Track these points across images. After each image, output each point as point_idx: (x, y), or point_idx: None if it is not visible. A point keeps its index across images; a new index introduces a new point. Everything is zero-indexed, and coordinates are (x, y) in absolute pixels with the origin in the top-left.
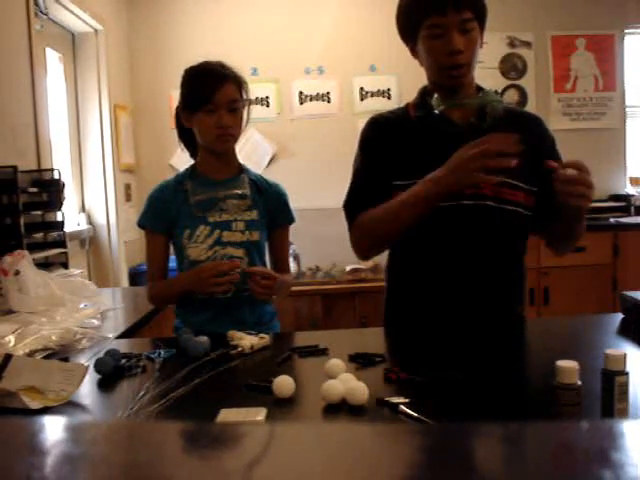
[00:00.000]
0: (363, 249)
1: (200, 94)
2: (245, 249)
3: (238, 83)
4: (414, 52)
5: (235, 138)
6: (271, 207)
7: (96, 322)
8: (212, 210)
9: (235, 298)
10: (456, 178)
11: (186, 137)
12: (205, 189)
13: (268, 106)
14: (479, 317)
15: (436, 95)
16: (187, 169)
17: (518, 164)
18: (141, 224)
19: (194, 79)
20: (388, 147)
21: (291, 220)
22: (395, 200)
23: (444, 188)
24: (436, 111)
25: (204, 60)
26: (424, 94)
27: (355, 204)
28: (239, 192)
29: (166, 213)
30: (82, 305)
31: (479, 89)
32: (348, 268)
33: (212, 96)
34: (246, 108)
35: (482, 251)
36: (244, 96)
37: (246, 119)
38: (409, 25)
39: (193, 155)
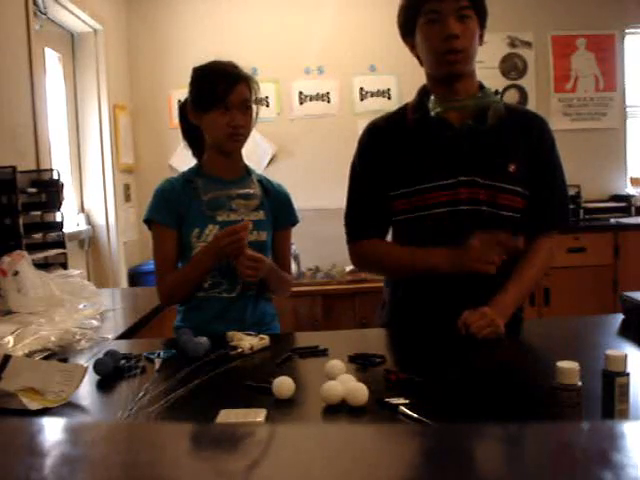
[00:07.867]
0: (360, 270)
1: (214, 94)
2: (253, 249)
3: (249, 83)
4: (414, 49)
5: (245, 137)
6: (275, 208)
7: (95, 323)
8: (221, 209)
9: (236, 298)
10: (460, 267)
11: (191, 135)
12: (216, 187)
13: (268, 106)
14: None
15: (432, 97)
16: (193, 168)
17: (515, 169)
18: (149, 219)
19: (207, 79)
20: (385, 158)
21: (295, 221)
22: (404, 255)
23: (450, 270)
24: (432, 114)
25: (214, 60)
26: (422, 95)
27: (357, 225)
28: (250, 191)
29: (176, 207)
30: (81, 306)
31: (481, 87)
32: (348, 268)
33: (226, 96)
34: (255, 107)
35: None
36: (254, 95)
37: (255, 118)
38: (409, 15)
39: (196, 154)
